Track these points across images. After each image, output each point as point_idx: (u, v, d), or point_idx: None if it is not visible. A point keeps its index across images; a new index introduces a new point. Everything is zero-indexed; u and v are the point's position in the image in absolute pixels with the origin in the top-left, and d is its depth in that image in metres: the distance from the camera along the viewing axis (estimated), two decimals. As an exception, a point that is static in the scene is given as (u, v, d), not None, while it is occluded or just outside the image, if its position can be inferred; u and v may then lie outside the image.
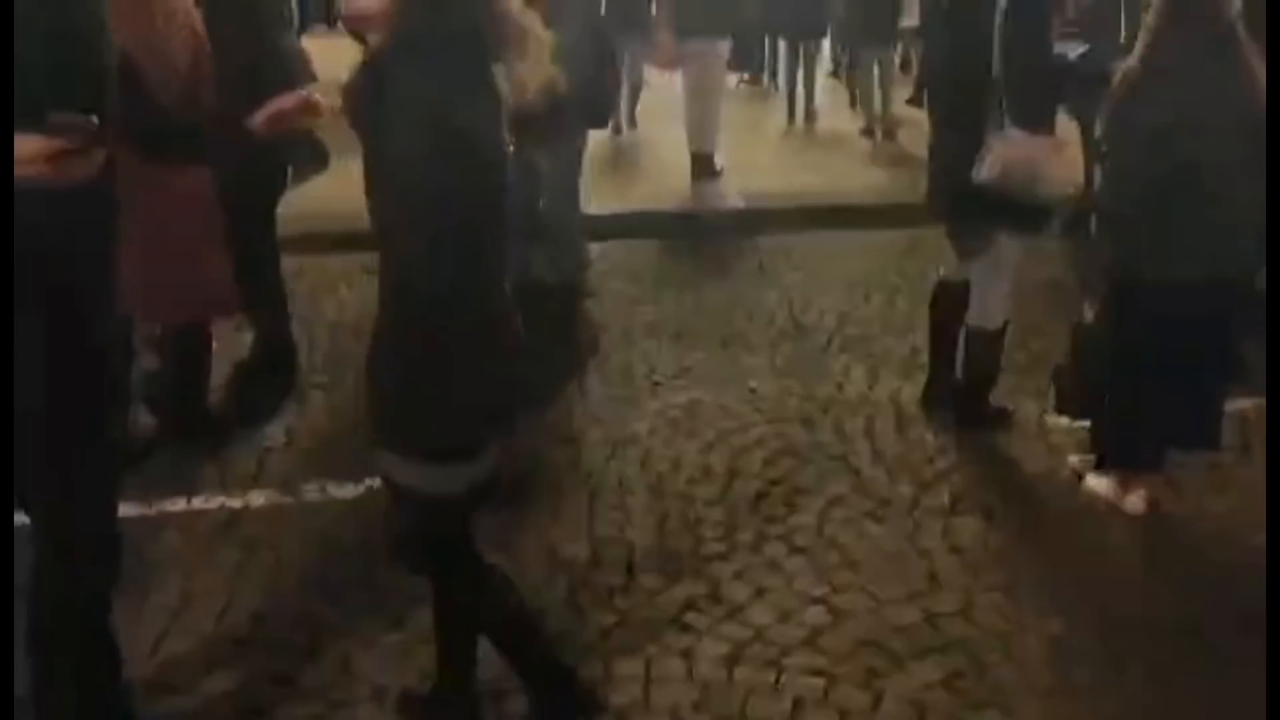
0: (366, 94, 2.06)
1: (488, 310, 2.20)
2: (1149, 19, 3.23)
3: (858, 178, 8.28)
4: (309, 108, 2.51)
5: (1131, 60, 3.29)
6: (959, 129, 3.79)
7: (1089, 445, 3.76)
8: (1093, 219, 3.55)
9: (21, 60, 1.96)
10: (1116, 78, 3.31)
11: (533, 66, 2.13)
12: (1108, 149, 3.35)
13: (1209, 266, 3.28)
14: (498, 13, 2.08)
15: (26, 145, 1.90)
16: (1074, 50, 3.98)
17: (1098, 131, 3.45)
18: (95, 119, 1.94)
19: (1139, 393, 3.47)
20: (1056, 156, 3.71)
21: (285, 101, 2.50)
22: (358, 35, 3.00)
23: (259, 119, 2.48)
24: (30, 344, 2.07)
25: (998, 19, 3.64)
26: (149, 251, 3.36)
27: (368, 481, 3.60)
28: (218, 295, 3.89)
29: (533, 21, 2.14)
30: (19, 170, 1.91)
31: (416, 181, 2.01)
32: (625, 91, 8.81)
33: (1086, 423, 3.73)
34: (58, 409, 2.14)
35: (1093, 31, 4.71)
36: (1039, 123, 3.69)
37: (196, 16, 3.65)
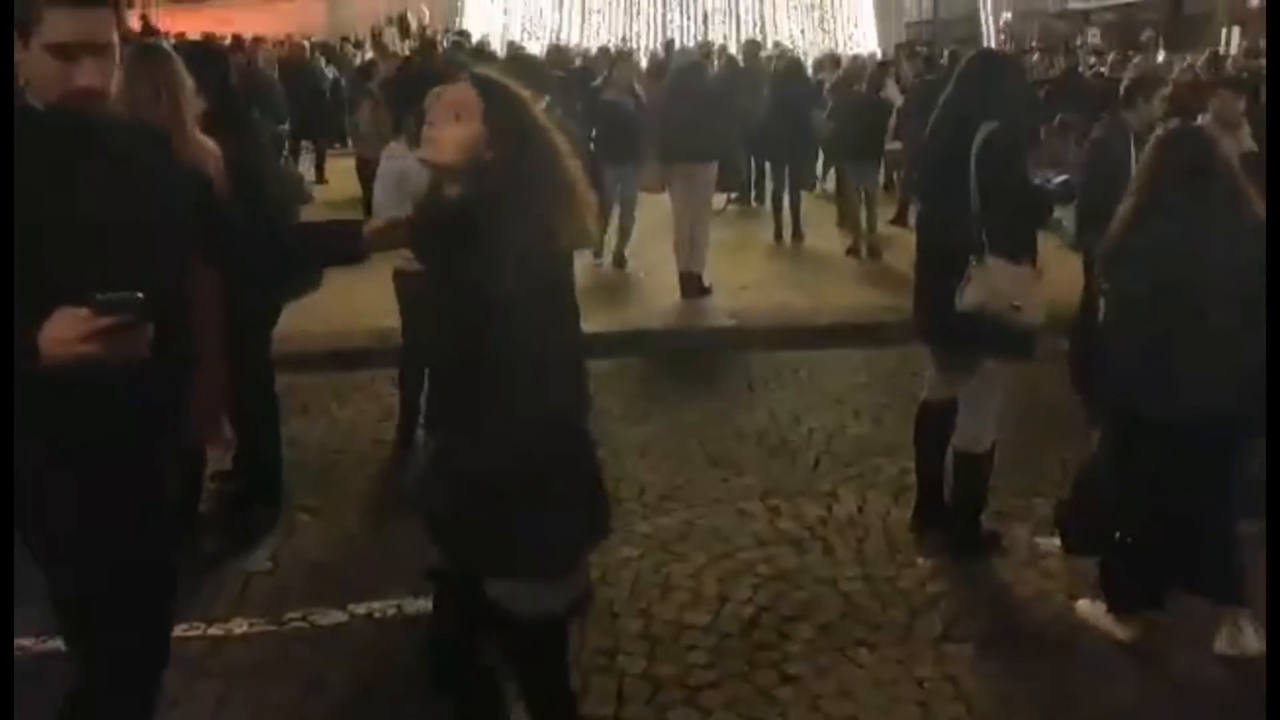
0: (449, 235, 2.16)
1: (581, 429, 2.39)
2: (1144, 158, 3.29)
3: (844, 296, 8.39)
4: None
5: (1129, 197, 3.32)
6: (942, 257, 3.88)
7: (1093, 581, 3.71)
8: (1095, 353, 3.59)
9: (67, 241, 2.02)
10: (1116, 214, 3.33)
11: (580, 223, 2.27)
12: (1109, 285, 3.38)
13: (1212, 400, 3.23)
14: (563, 166, 2.24)
15: (74, 323, 1.90)
16: (1053, 178, 4.09)
17: (1097, 266, 3.49)
18: (140, 295, 1.94)
19: (1146, 532, 3.41)
20: (1037, 285, 3.78)
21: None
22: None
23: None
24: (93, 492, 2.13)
25: (975, 150, 3.76)
26: None
27: (352, 608, 3.55)
28: (211, 415, 3.89)
29: (582, 178, 2.29)
30: (67, 349, 1.91)
31: (525, 320, 2.12)
32: (615, 227, 8.73)
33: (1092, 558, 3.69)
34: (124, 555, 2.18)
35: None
36: (1019, 252, 3.78)
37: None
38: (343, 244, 2.39)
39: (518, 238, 2.10)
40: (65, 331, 1.89)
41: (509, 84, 2.27)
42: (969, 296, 3.70)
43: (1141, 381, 3.28)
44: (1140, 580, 3.49)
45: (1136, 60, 19.57)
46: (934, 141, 4.10)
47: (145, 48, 4.02)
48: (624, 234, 9.03)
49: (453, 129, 2.17)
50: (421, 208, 2.35)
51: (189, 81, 3.74)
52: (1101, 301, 3.57)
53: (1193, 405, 3.23)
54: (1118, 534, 3.49)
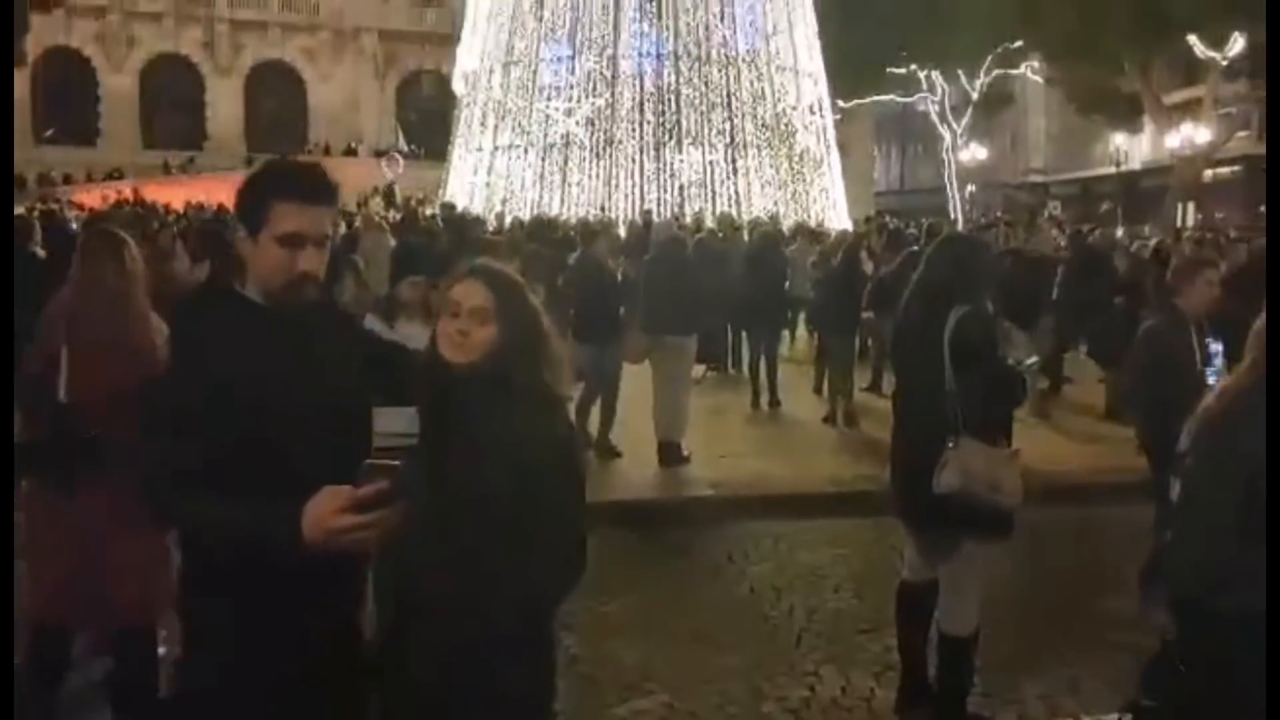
0: (459, 424, 2.26)
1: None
2: (1252, 344, 2.89)
3: (823, 465, 8.43)
4: None
5: (1232, 382, 2.94)
6: (918, 438, 3.92)
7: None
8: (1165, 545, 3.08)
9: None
10: (1211, 398, 2.95)
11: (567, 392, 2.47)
12: (1198, 478, 2.88)
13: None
14: (556, 347, 2.40)
15: (334, 499, 2.00)
16: (1025, 359, 4.18)
17: (1183, 444, 2.94)
18: (399, 464, 2.05)
19: None
20: (1014, 466, 3.82)
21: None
22: None
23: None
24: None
25: (948, 335, 3.86)
26: (96, 552, 3.37)
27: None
28: (164, 595, 3.83)
29: (565, 355, 2.46)
30: (331, 530, 2.00)
31: (526, 508, 2.19)
32: (599, 410, 8.46)
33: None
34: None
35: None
36: (995, 433, 3.84)
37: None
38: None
39: (527, 417, 2.25)
40: (330, 506, 2.00)
41: (514, 278, 2.41)
42: (946, 479, 3.73)
43: (1219, 573, 2.79)
44: None
45: (1096, 232, 20.24)
46: (907, 322, 4.21)
47: (101, 232, 4.17)
48: (608, 414, 8.46)
49: (478, 331, 2.27)
50: (429, 395, 2.38)
51: (140, 263, 3.81)
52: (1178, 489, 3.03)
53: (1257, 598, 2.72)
54: None
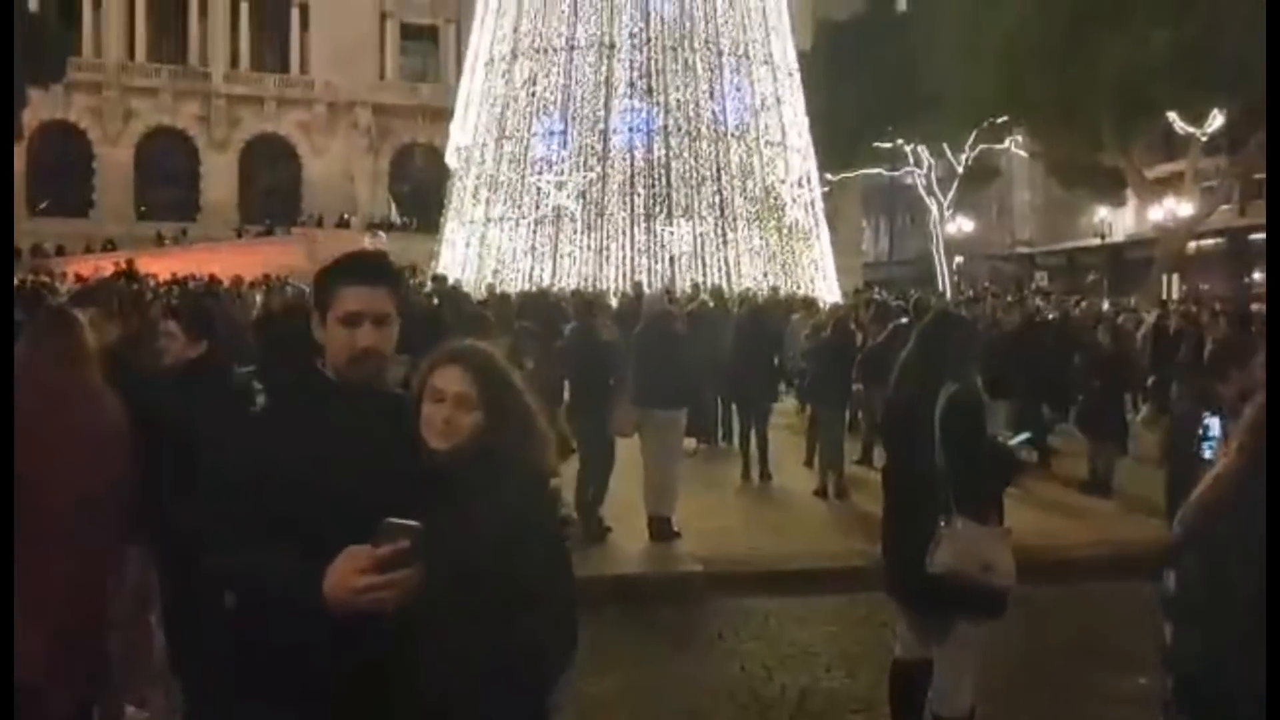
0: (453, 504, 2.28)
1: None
2: (1245, 426, 2.69)
3: (814, 540, 8.38)
4: None
5: (1225, 468, 2.67)
6: (910, 516, 3.91)
7: None
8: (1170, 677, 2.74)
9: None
10: (1205, 485, 2.69)
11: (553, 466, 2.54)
12: (1195, 575, 2.64)
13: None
14: (540, 425, 2.45)
15: (356, 559, 2.07)
16: (1015, 438, 4.19)
17: (1176, 534, 2.68)
18: (419, 525, 2.10)
19: None
20: (1006, 545, 3.80)
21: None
22: None
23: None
24: None
25: (938, 413, 3.86)
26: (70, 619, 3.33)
27: None
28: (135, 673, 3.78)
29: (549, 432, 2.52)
30: (353, 590, 2.06)
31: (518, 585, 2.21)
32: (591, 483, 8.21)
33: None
34: None
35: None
36: (986, 512, 3.82)
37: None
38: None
39: (513, 496, 2.28)
40: (350, 566, 2.08)
41: (495, 360, 2.46)
42: (938, 559, 3.71)
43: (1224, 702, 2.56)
44: None
45: (1082, 304, 20.47)
46: (897, 400, 4.22)
47: (55, 312, 4.15)
48: (600, 489, 8.20)
49: (463, 417, 2.31)
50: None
51: (91, 345, 3.76)
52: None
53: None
54: None
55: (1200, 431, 4.48)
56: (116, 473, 3.49)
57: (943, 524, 3.72)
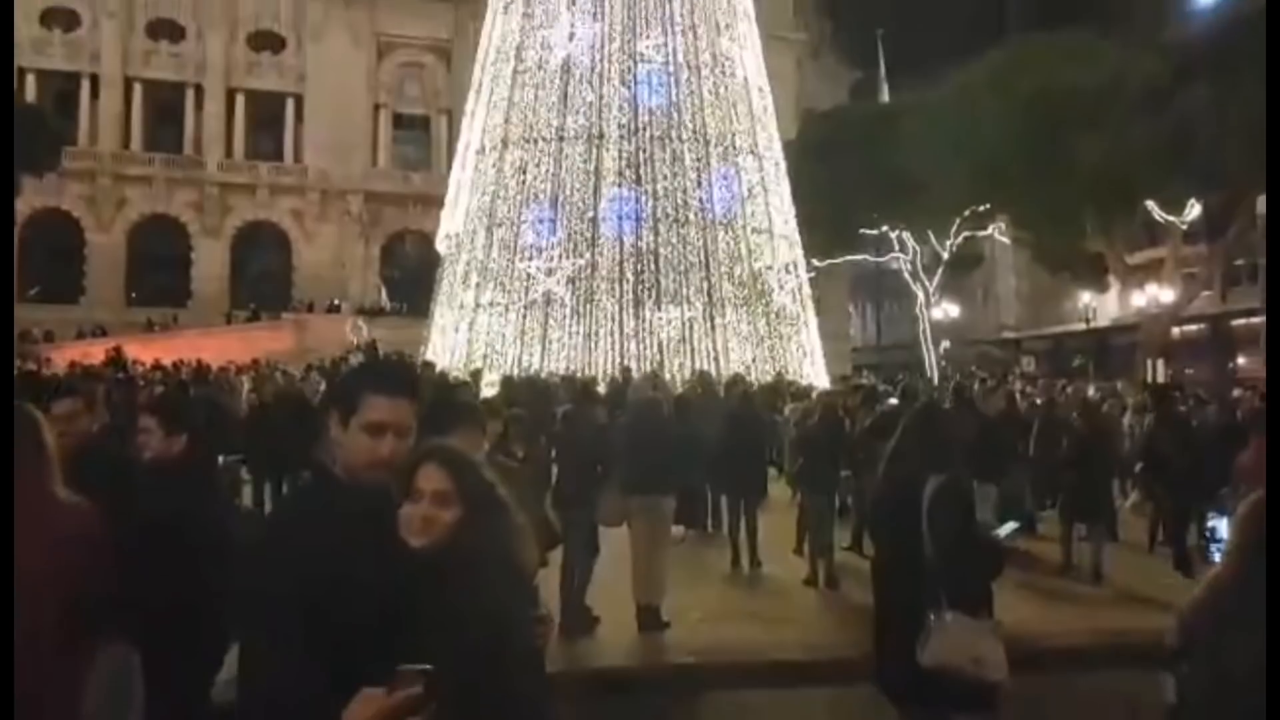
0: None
1: None
2: (1240, 527, 2.67)
3: (804, 630, 8.28)
4: None
5: (1220, 571, 2.68)
6: (900, 610, 3.89)
7: None
8: None
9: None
10: (1200, 589, 2.71)
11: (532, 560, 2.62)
12: (1194, 682, 2.66)
13: None
14: (514, 519, 2.50)
15: (371, 703, 2.09)
16: (1003, 529, 4.18)
17: (1170, 640, 2.71)
18: (431, 668, 2.11)
19: None
20: (997, 638, 3.78)
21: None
22: None
23: None
24: None
25: (926, 505, 3.87)
26: None
27: None
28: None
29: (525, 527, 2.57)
30: None
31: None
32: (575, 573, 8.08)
33: None
34: None
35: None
36: (976, 605, 3.80)
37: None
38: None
39: (494, 585, 2.33)
40: (365, 713, 2.09)
41: (471, 458, 2.53)
42: (930, 654, 3.68)
43: None
44: None
45: (1069, 389, 20.56)
46: (884, 493, 4.23)
47: (12, 411, 4.04)
48: (585, 578, 8.03)
49: (441, 515, 2.37)
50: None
51: (50, 445, 3.66)
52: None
53: None
54: None
55: (1207, 534, 4.48)
56: (72, 583, 3.38)
57: (933, 617, 3.70)
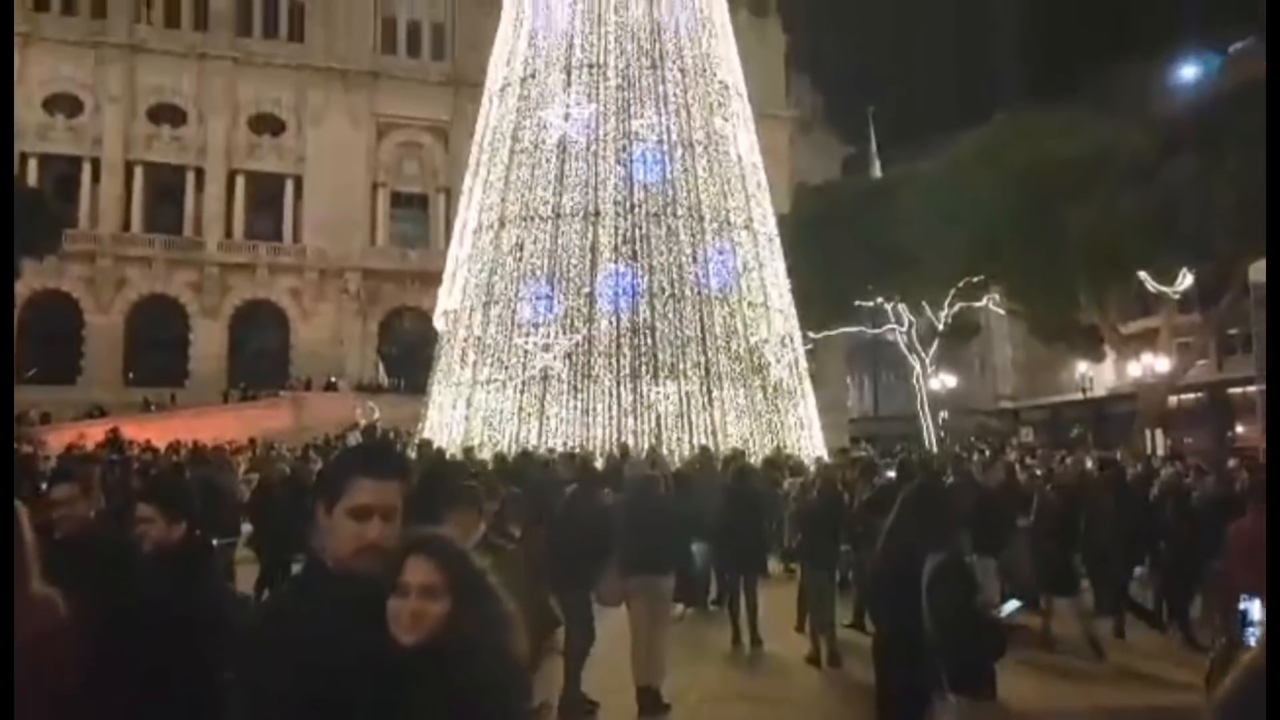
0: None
1: None
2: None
3: (806, 712, 8.16)
4: None
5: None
6: (901, 693, 3.84)
7: None
8: None
9: None
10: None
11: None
12: None
13: None
14: (506, 609, 2.46)
15: None
16: (1005, 609, 4.14)
17: None
18: None
19: None
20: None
21: None
22: None
23: None
24: None
25: (925, 584, 3.84)
26: None
27: None
28: None
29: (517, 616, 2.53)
30: None
31: None
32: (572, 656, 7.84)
33: None
34: None
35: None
36: (979, 685, 3.75)
37: None
38: None
39: (488, 677, 2.31)
40: None
41: (459, 548, 2.49)
42: (933, 738, 3.63)
43: None
44: None
45: (1068, 460, 20.50)
46: (883, 571, 4.20)
47: None
48: (580, 661, 7.75)
49: (430, 609, 2.33)
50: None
51: (29, 537, 3.63)
52: None
53: None
54: None
55: (1239, 616, 4.41)
56: (51, 681, 3.32)
57: (937, 701, 3.65)
